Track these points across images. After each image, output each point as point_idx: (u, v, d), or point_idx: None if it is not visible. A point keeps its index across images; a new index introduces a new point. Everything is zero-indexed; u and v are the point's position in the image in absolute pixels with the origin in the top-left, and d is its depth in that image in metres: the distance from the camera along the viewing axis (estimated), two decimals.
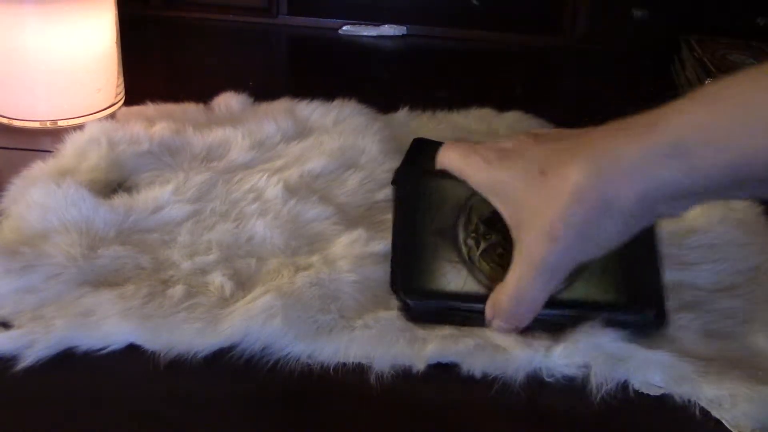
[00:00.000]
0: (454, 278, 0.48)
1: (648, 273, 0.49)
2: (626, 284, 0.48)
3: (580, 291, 0.47)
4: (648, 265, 0.49)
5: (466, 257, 0.48)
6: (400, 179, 0.53)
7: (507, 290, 0.45)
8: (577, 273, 0.46)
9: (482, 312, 0.48)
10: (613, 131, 0.42)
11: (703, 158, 0.39)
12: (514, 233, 0.45)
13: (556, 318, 0.47)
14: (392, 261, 0.51)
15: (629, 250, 0.45)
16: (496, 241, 0.48)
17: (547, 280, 0.44)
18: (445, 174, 0.49)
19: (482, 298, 0.47)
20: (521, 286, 0.45)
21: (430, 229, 0.49)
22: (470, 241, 0.48)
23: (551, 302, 0.46)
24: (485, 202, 0.47)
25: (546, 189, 0.42)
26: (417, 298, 0.48)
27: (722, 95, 0.40)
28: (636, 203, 0.41)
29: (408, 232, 0.50)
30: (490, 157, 0.46)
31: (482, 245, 0.48)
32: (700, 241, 0.57)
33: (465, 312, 0.48)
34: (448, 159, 0.49)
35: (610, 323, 0.46)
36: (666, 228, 0.58)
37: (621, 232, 0.42)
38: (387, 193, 0.62)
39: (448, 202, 0.50)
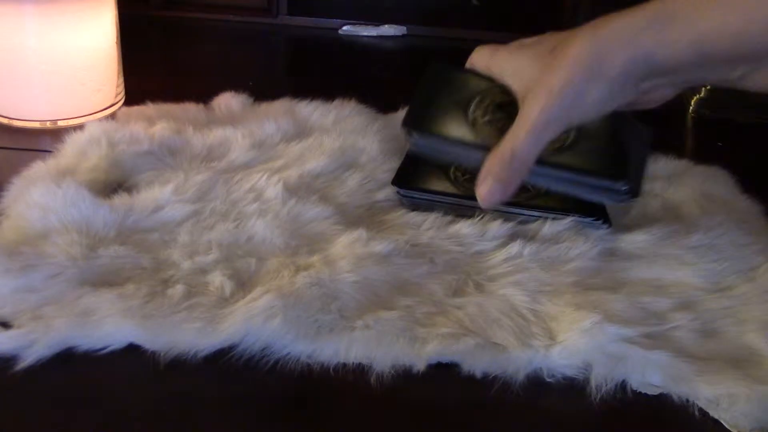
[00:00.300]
0: (456, 130, 0.54)
1: (634, 155, 0.55)
2: (611, 159, 0.54)
3: (567, 158, 0.53)
4: (636, 150, 0.55)
5: (471, 121, 0.54)
6: (431, 70, 0.58)
7: (504, 145, 0.50)
8: (569, 145, 0.53)
9: (474, 165, 0.53)
10: (616, 13, 0.47)
11: (672, 31, 0.44)
12: (520, 104, 0.50)
13: (542, 179, 0.54)
14: (409, 105, 0.57)
15: (623, 136, 0.54)
16: (501, 118, 0.52)
17: (539, 136, 0.49)
18: (472, 72, 0.55)
19: (477, 147, 0.52)
20: (517, 139, 0.49)
21: (447, 99, 0.55)
22: (479, 112, 0.54)
23: (540, 161, 0.51)
24: (503, 92, 0.52)
25: (551, 60, 0.48)
26: (421, 132, 0.55)
27: None
28: (620, 70, 0.46)
29: (427, 94, 0.56)
30: (512, 49, 0.52)
31: (488, 117, 0.53)
32: (700, 241, 0.57)
33: (459, 154, 0.55)
34: (478, 56, 0.55)
35: (587, 186, 0.54)
36: (666, 228, 0.58)
37: (605, 99, 0.47)
38: (387, 193, 0.63)
39: (469, 87, 0.55)
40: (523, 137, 0.49)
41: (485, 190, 0.51)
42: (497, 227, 0.57)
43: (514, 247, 0.55)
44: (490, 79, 0.54)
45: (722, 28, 0.43)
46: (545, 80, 0.48)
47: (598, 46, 0.46)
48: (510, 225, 0.58)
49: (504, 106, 0.53)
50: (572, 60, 0.47)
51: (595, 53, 0.46)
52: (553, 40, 0.50)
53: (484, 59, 0.54)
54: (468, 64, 0.56)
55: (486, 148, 0.51)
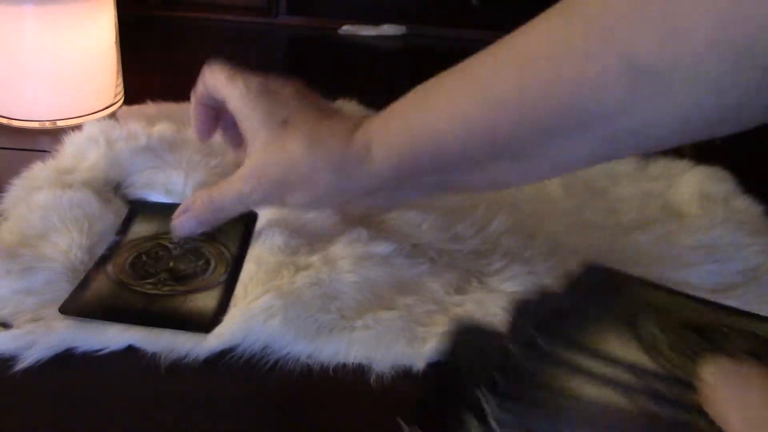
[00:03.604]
0: (618, 348, 0.32)
1: None
2: None
3: None
4: None
5: (647, 341, 0.33)
6: None
7: (213, 190, 0.52)
8: None
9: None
10: (343, 122, 0.48)
11: (375, 160, 0.45)
12: (248, 149, 0.50)
13: None
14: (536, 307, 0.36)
15: None
16: (693, 340, 0.33)
17: (244, 198, 0.50)
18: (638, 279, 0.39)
19: (655, 375, 0.31)
20: (225, 192, 0.51)
21: (597, 307, 0.35)
22: (656, 330, 0.33)
23: None
24: (695, 310, 0.36)
25: (276, 139, 0.48)
26: (557, 341, 0.32)
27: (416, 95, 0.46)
28: (324, 192, 0.48)
29: (565, 306, 0.35)
30: (251, 86, 0.50)
31: (674, 339, 0.33)
32: (700, 241, 0.57)
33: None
34: (213, 79, 0.53)
35: None
36: (666, 227, 0.58)
37: (306, 203, 0.49)
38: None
39: (632, 301, 0.37)
40: (230, 193, 0.50)
41: (180, 220, 0.53)
42: (497, 225, 0.57)
43: (514, 243, 0.55)
44: (665, 288, 0.38)
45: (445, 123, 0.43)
46: (264, 157, 0.49)
47: (306, 160, 0.47)
48: (510, 223, 0.58)
49: (696, 328, 0.34)
50: (287, 156, 0.48)
51: (302, 164, 0.47)
52: (293, 104, 0.50)
53: (219, 82, 0.52)
54: (202, 83, 0.55)
55: (669, 379, 0.30)
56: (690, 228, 0.58)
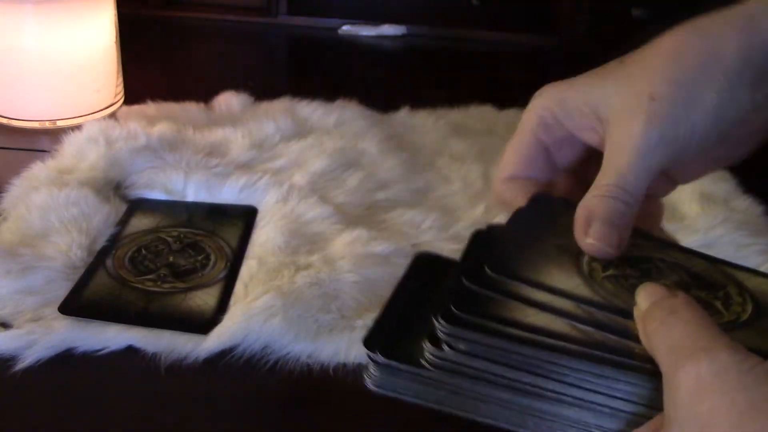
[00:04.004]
0: (563, 280, 0.35)
1: None
2: None
3: (742, 337, 0.33)
4: None
5: (586, 272, 0.36)
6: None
7: (603, 182, 0.36)
8: (745, 321, 0.35)
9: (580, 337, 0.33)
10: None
11: None
12: (609, 132, 0.38)
13: None
14: (490, 246, 0.37)
15: None
16: (631, 275, 0.35)
17: (649, 159, 0.36)
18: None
19: (595, 306, 0.33)
20: (620, 170, 0.36)
21: (549, 240, 0.37)
22: (596, 263, 0.36)
23: None
24: (633, 244, 0.37)
25: (634, 67, 0.37)
26: (504, 274, 0.34)
27: None
28: (737, 61, 0.35)
29: (519, 234, 0.38)
30: (587, 78, 0.39)
31: (611, 270, 0.36)
32: (700, 241, 0.57)
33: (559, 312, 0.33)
34: (544, 97, 0.39)
35: None
36: (666, 228, 0.58)
37: (723, 104, 0.35)
38: (387, 193, 0.62)
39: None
40: (626, 164, 0.36)
41: (595, 235, 0.36)
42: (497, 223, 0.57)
43: None
44: None
45: None
46: (638, 87, 0.36)
47: (704, 33, 0.35)
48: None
49: (634, 262, 0.36)
50: (673, 55, 0.36)
51: (703, 42, 0.35)
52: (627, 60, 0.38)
53: (552, 98, 0.39)
54: (530, 111, 0.40)
55: (608, 309, 0.33)
56: (690, 228, 0.58)
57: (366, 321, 0.48)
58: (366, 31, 1.07)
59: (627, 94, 0.36)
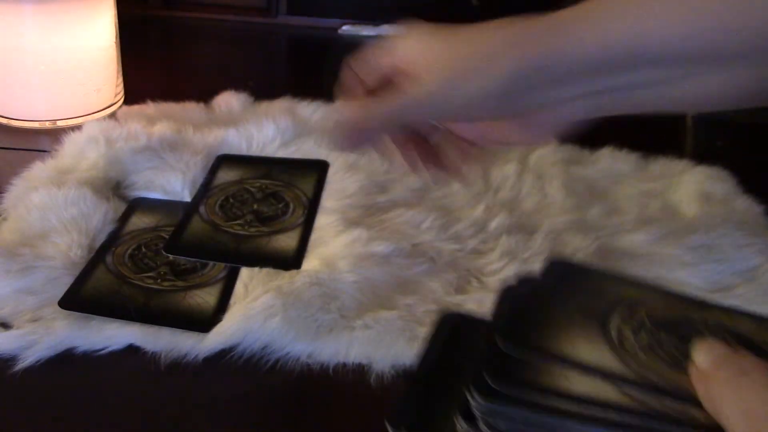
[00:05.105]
0: (589, 352, 0.31)
1: None
2: None
3: None
4: None
5: (615, 339, 0.33)
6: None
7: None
8: None
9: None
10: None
11: (581, 30, 0.39)
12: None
13: None
14: (495, 308, 0.35)
15: None
16: (666, 340, 0.32)
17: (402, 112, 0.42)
18: (609, 273, 0.38)
19: (630, 385, 0.30)
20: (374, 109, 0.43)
21: (569, 304, 0.34)
22: (627, 330, 0.33)
23: None
24: (664, 302, 0.35)
25: (446, 36, 0.46)
26: (521, 348, 0.31)
27: None
28: (510, 70, 0.40)
29: (533, 298, 0.35)
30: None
31: (643, 337, 0.32)
32: (700, 241, 0.57)
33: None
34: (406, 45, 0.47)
35: None
36: (666, 227, 0.58)
37: (484, 96, 0.41)
38: (387, 194, 0.62)
39: (604, 290, 0.36)
40: (379, 109, 0.42)
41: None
42: (497, 225, 0.57)
43: (513, 242, 0.55)
44: (634, 282, 0.36)
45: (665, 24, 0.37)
46: (434, 54, 0.44)
47: (494, 40, 0.43)
48: (509, 223, 0.58)
49: (670, 326, 0.32)
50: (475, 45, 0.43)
51: (489, 46, 0.42)
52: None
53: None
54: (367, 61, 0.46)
55: (648, 388, 0.29)
56: (690, 228, 0.58)
57: (366, 321, 0.48)
58: (366, 31, 1.07)
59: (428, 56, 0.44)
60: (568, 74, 0.40)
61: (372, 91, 0.45)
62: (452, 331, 0.38)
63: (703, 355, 0.29)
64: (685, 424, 0.28)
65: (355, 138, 0.43)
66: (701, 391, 0.28)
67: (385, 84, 0.44)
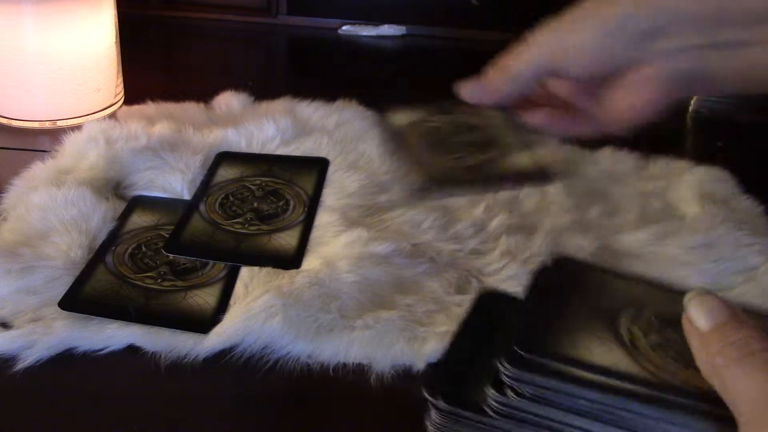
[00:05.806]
0: (603, 354, 0.33)
1: None
2: None
3: None
4: None
5: (626, 340, 0.34)
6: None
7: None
8: None
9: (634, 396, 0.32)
10: None
11: None
12: None
13: None
14: (517, 319, 0.36)
15: None
16: (675, 339, 0.34)
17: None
18: (614, 271, 0.39)
19: (644, 386, 0.31)
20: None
21: (581, 308, 0.36)
22: (637, 330, 0.35)
23: None
24: (668, 300, 0.36)
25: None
26: (538, 354, 0.32)
27: None
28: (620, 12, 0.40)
29: (547, 300, 0.37)
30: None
31: (654, 337, 0.34)
32: (700, 241, 0.57)
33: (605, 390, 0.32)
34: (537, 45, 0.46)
35: None
36: (666, 227, 0.58)
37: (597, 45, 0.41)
38: (387, 194, 0.62)
39: (611, 291, 0.37)
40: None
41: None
42: (497, 224, 0.57)
43: (513, 242, 0.55)
44: (638, 280, 0.38)
45: None
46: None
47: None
48: (509, 223, 0.58)
49: (677, 324, 0.33)
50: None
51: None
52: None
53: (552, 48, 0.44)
54: (529, 61, 0.45)
55: (661, 388, 0.31)
56: (690, 228, 0.58)
57: (366, 321, 0.48)
58: (366, 31, 1.07)
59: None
60: (674, 23, 0.39)
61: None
62: (489, 307, 0.41)
63: (702, 314, 0.30)
64: (697, 397, 0.30)
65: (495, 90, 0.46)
66: (700, 354, 0.30)
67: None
